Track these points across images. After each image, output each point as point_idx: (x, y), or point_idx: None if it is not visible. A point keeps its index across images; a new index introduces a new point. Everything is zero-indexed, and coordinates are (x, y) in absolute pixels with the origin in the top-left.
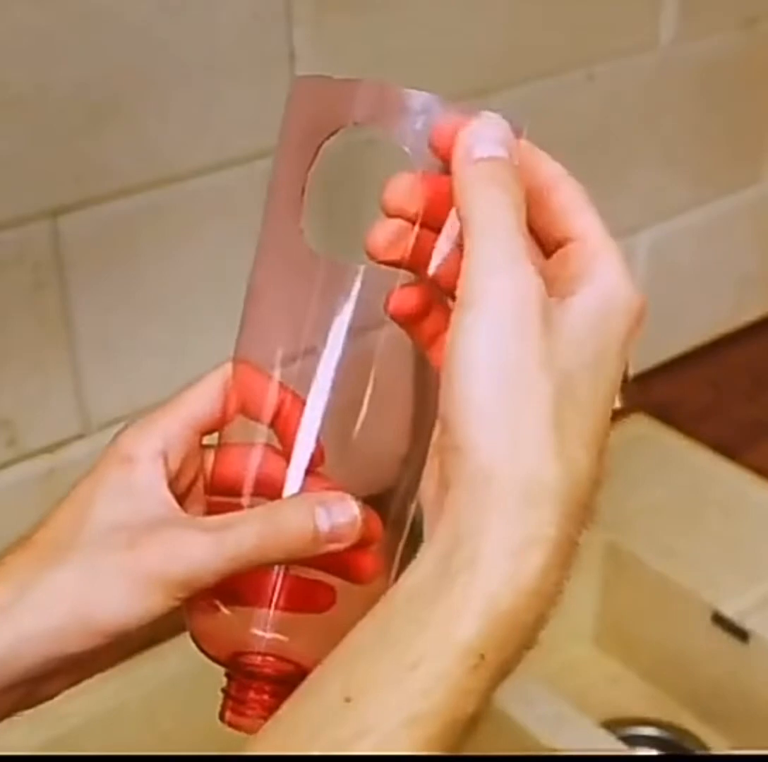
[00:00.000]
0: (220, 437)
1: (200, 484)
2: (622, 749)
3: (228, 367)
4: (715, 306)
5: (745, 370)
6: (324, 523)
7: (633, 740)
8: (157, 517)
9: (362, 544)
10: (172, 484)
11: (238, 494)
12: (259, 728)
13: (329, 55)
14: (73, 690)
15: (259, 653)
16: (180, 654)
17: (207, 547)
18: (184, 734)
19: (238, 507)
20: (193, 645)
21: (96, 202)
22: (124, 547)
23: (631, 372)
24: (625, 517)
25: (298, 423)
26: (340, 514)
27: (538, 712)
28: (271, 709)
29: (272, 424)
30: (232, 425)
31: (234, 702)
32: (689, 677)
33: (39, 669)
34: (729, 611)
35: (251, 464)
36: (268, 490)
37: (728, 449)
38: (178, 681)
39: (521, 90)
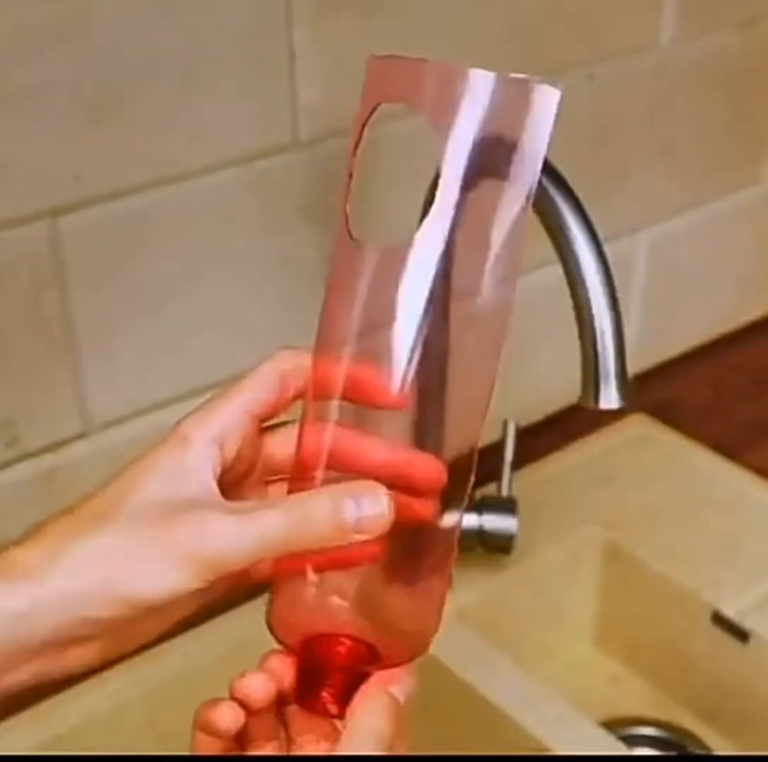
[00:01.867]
0: (302, 418)
1: (259, 469)
2: (622, 749)
3: (283, 354)
4: (715, 306)
5: (745, 370)
6: (352, 516)
7: (633, 740)
8: (197, 498)
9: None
10: (228, 469)
11: (314, 471)
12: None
13: (329, 55)
14: (73, 690)
15: (335, 635)
16: (180, 654)
17: (233, 529)
18: (184, 734)
19: (312, 485)
20: (193, 645)
21: (96, 202)
22: (157, 522)
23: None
24: (625, 517)
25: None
26: (370, 507)
27: (538, 712)
28: (340, 700)
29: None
30: (313, 406)
31: (303, 691)
32: (689, 677)
33: (65, 631)
34: (729, 611)
35: (326, 440)
36: (347, 465)
37: (728, 449)
38: (178, 681)
39: None
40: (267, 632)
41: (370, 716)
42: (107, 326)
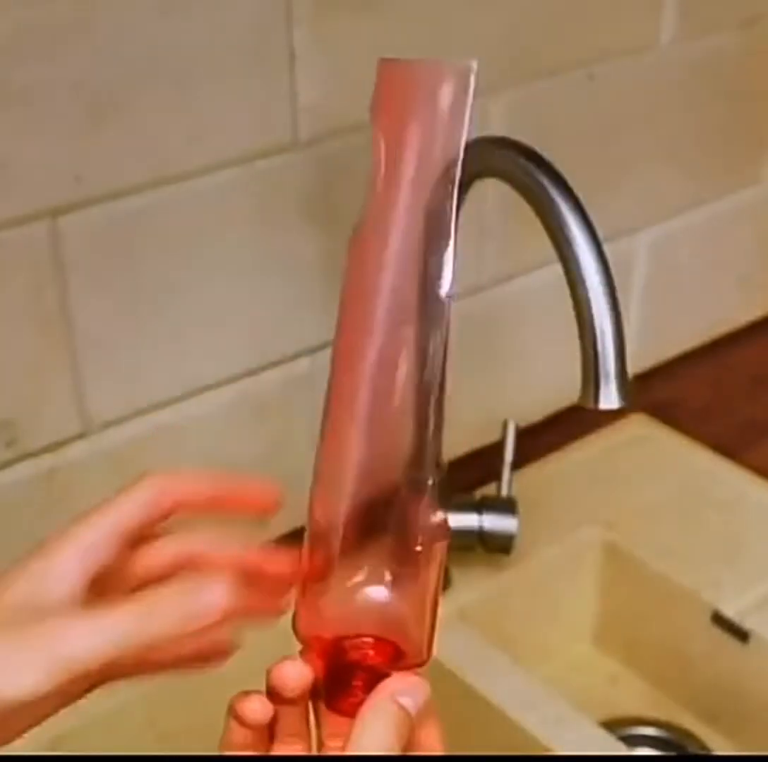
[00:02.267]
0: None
1: (129, 579)
2: (622, 749)
3: (155, 479)
4: (715, 306)
5: (745, 370)
6: (196, 603)
7: (633, 740)
8: (57, 604)
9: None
10: (96, 580)
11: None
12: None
13: (329, 55)
14: None
15: (360, 636)
16: None
17: (85, 629)
18: (184, 734)
19: None
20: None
21: (96, 202)
22: (17, 625)
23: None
24: (625, 517)
25: None
26: (209, 594)
27: (538, 712)
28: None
29: None
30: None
31: (330, 692)
32: (689, 677)
33: None
34: (729, 611)
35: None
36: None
37: (728, 449)
38: (178, 681)
39: (521, 90)
40: (266, 633)
41: (376, 728)
42: (107, 326)
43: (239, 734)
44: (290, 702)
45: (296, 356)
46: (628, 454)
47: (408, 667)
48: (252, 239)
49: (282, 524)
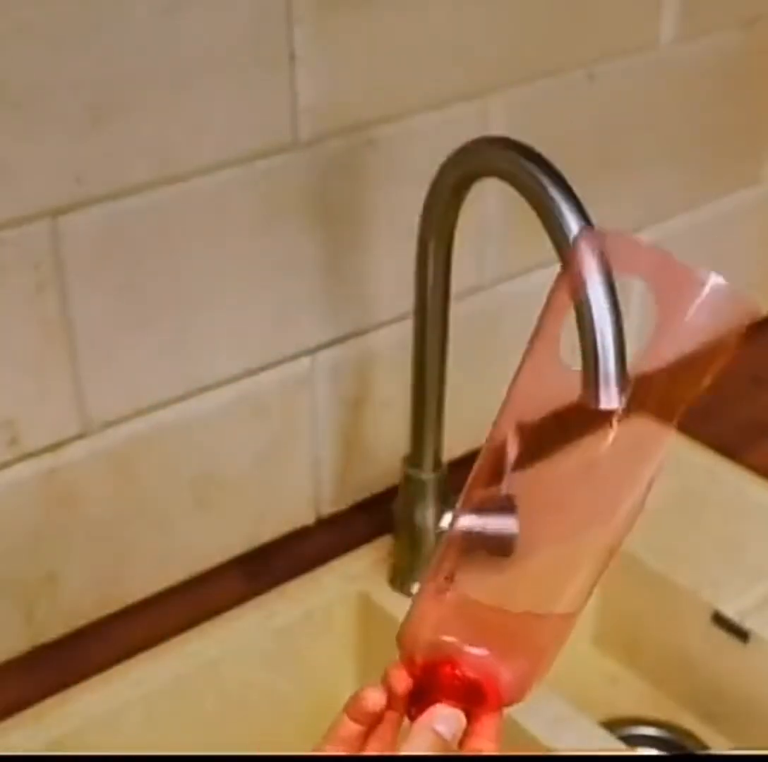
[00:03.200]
0: None
1: None
2: (622, 749)
3: None
4: None
5: (745, 370)
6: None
7: (633, 740)
8: None
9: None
10: None
11: None
12: None
13: (329, 55)
14: (73, 690)
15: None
16: (180, 654)
17: None
18: (184, 734)
19: None
20: (193, 645)
21: (96, 202)
22: None
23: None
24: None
25: None
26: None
27: (538, 712)
28: None
29: None
30: None
31: (413, 707)
32: (689, 677)
33: None
34: (729, 611)
35: None
36: None
37: (728, 449)
38: (178, 681)
39: (521, 90)
40: (266, 634)
41: (415, 745)
42: (107, 326)
43: (346, 728)
44: (376, 719)
45: (296, 356)
46: None
47: (487, 710)
48: (252, 239)
49: (282, 524)
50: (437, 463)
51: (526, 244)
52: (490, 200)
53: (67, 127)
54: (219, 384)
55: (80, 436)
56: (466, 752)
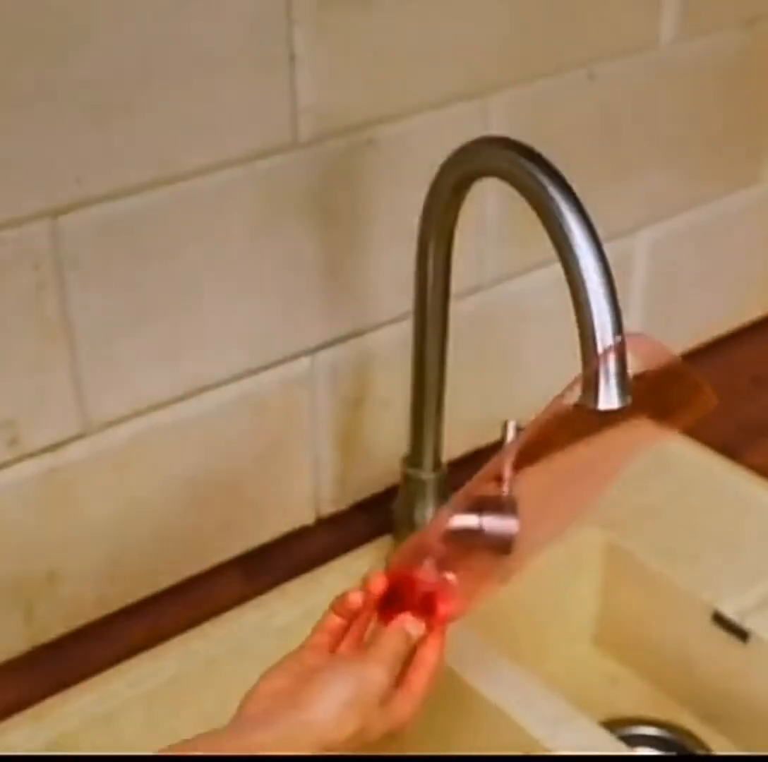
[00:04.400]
0: None
1: None
2: (622, 749)
3: None
4: (715, 306)
5: (745, 370)
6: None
7: (633, 740)
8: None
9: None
10: None
11: None
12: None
13: (329, 55)
14: (73, 690)
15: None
16: (180, 654)
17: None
18: (184, 734)
19: None
20: (193, 645)
21: (96, 202)
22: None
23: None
24: (625, 517)
25: None
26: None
27: (538, 712)
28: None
29: None
30: None
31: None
32: (689, 677)
33: None
34: (729, 611)
35: None
36: None
37: (728, 449)
38: (178, 681)
39: (521, 90)
40: (266, 634)
41: (387, 640)
42: (107, 326)
43: (332, 621)
44: (354, 615)
45: (296, 356)
46: None
47: (441, 618)
48: (252, 239)
49: (282, 524)
50: (437, 463)
51: (526, 244)
52: (490, 200)
53: (67, 127)
54: (219, 384)
55: (80, 436)
56: (416, 656)
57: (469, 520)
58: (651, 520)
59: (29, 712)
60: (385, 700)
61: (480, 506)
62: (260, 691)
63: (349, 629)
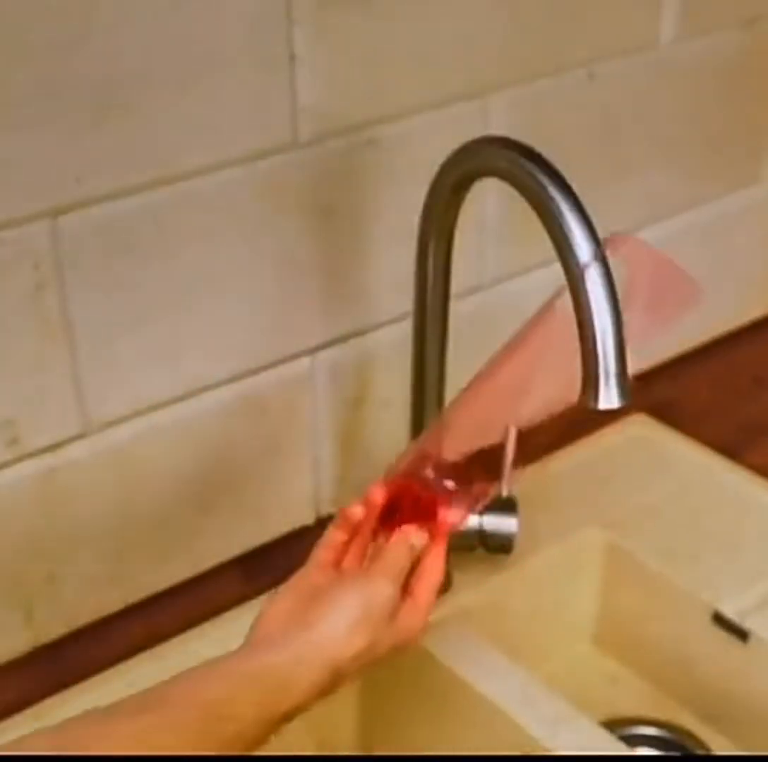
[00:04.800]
0: None
1: None
2: (622, 749)
3: None
4: (715, 306)
5: (745, 370)
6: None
7: (633, 740)
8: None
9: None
10: None
11: None
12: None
13: (329, 55)
14: (73, 690)
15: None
16: (180, 654)
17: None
18: None
19: None
20: (192, 645)
21: (96, 202)
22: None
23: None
24: (625, 517)
25: None
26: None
27: (537, 712)
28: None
29: None
30: None
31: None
32: (689, 677)
33: None
34: (729, 611)
35: None
36: None
37: (728, 449)
38: None
39: (521, 90)
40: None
41: (393, 551)
42: (107, 326)
43: (336, 537)
44: (356, 528)
45: (296, 356)
46: (628, 454)
47: (441, 525)
48: (252, 239)
49: (282, 524)
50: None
51: (526, 244)
52: (490, 200)
53: (67, 127)
54: (219, 384)
55: (80, 436)
56: (420, 566)
57: (469, 520)
58: (651, 520)
59: (29, 712)
60: (393, 614)
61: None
62: (269, 614)
63: (352, 543)
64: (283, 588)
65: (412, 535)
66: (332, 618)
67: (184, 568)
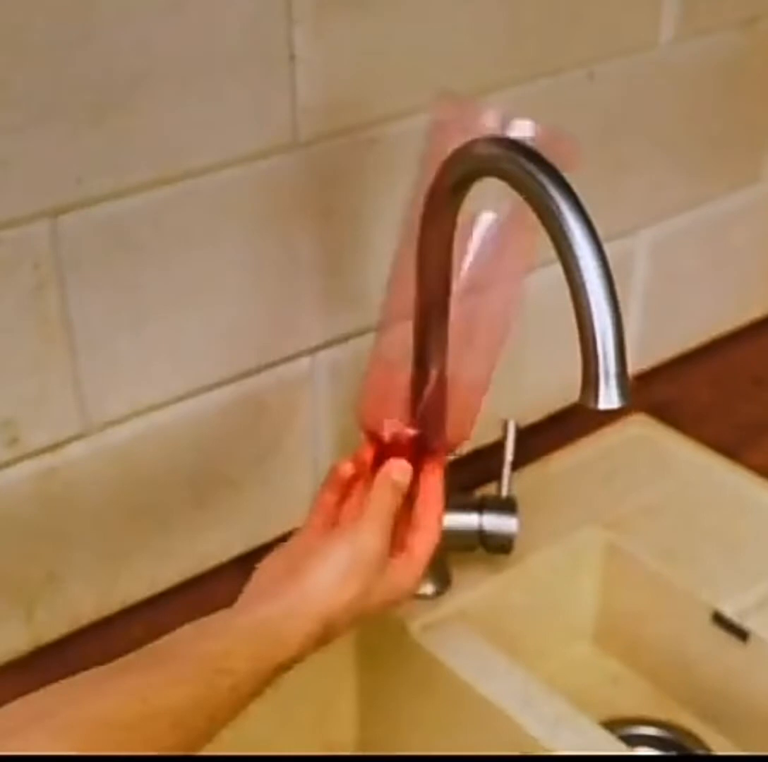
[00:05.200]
0: None
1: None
2: (622, 749)
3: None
4: (715, 306)
5: (745, 370)
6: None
7: (633, 740)
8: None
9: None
10: None
11: None
12: None
13: (329, 55)
14: None
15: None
16: None
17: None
18: None
19: None
20: None
21: (96, 202)
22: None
23: (631, 371)
24: (625, 517)
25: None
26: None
27: (537, 712)
28: None
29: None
30: None
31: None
32: (689, 677)
33: None
34: (729, 611)
35: None
36: None
37: (728, 449)
38: None
39: (521, 89)
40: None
41: (379, 494)
42: (107, 326)
43: (328, 499)
44: (348, 487)
45: (296, 356)
46: (628, 454)
47: (432, 454)
48: (252, 239)
49: (282, 524)
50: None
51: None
52: (490, 200)
53: (68, 127)
54: (219, 384)
55: (80, 436)
56: (415, 514)
57: (469, 520)
58: (651, 520)
59: None
60: (383, 564)
61: (480, 506)
62: (261, 574)
63: (346, 503)
64: (276, 549)
65: (394, 472)
66: (321, 570)
67: (184, 568)
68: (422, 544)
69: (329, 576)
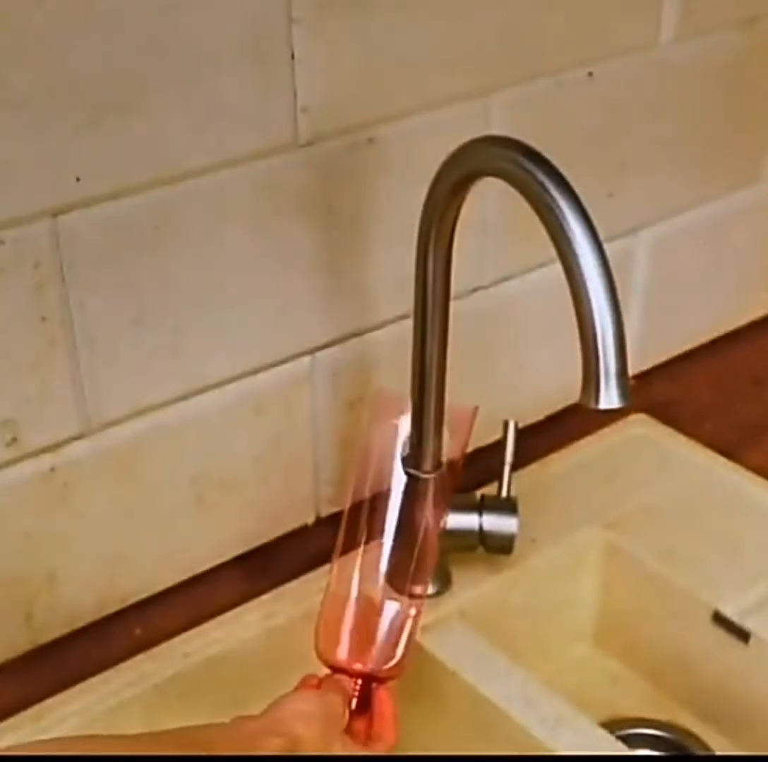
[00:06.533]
0: None
1: None
2: (622, 749)
3: None
4: (715, 306)
5: (745, 370)
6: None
7: (633, 740)
8: None
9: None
10: None
11: None
12: None
13: (329, 55)
14: (73, 690)
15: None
16: (180, 654)
17: None
18: None
19: None
20: (192, 645)
21: (96, 202)
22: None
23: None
24: (625, 517)
25: None
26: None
27: (538, 712)
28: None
29: None
30: None
31: None
32: (689, 677)
33: None
34: (729, 611)
35: None
36: None
37: (728, 449)
38: (178, 681)
39: (521, 90)
40: (266, 634)
41: (328, 695)
42: (107, 326)
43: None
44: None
45: (296, 356)
46: (628, 454)
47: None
48: (252, 239)
49: (282, 524)
50: (437, 463)
51: (526, 244)
52: (490, 200)
53: (68, 127)
54: (219, 384)
55: (80, 436)
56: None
57: (470, 520)
58: (651, 520)
59: (29, 712)
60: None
61: (480, 506)
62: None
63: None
64: None
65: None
66: (287, 705)
67: (184, 568)
68: (381, 750)
69: (294, 709)
